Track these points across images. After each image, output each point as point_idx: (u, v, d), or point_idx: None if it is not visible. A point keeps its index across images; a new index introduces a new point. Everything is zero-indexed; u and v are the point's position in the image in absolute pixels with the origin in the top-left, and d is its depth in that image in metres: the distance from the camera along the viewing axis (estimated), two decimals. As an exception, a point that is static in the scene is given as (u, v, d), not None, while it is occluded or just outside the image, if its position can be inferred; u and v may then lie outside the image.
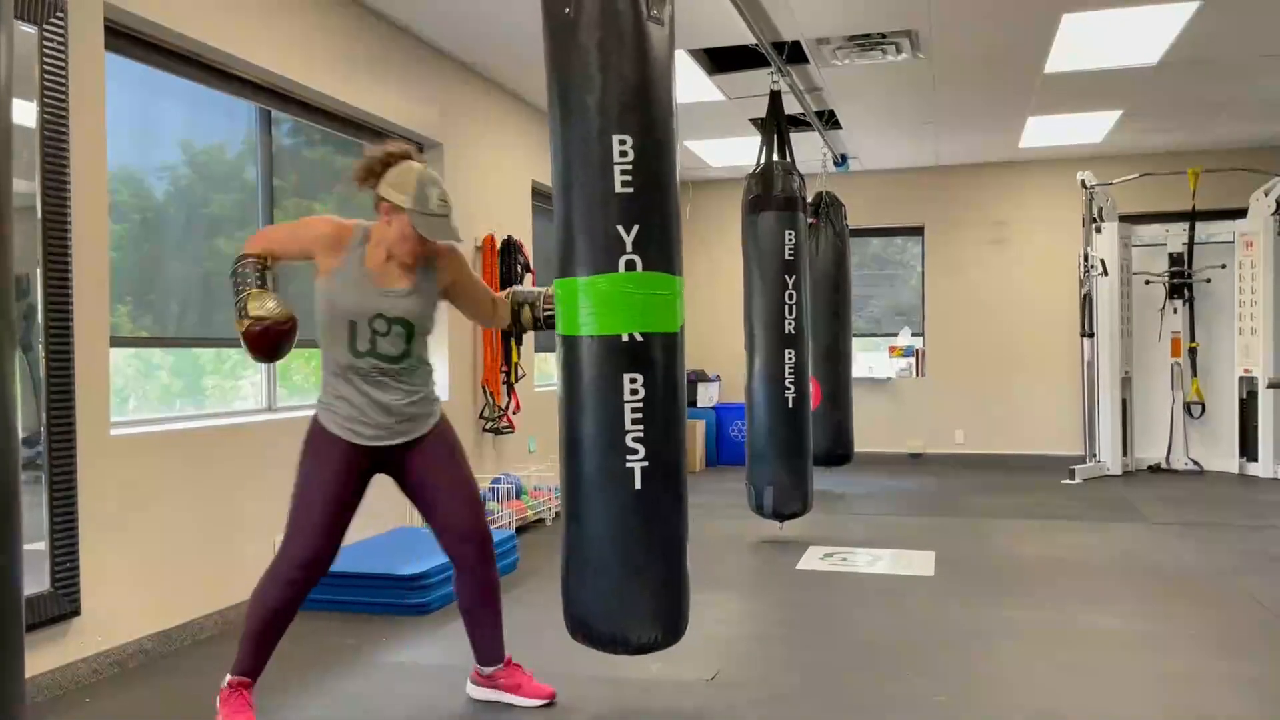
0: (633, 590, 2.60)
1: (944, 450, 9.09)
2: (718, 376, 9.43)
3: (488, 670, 2.99)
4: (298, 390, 4.72)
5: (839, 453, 7.08)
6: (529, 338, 6.46)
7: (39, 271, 3.04)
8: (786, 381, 5.10)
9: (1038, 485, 7.45)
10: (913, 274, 9.45)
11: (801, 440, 5.16)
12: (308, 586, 2.74)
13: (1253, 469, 7.76)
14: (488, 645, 2.97)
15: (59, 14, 3.10)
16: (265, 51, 4.16)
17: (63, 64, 3.12)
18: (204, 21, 3.82)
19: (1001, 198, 9.03)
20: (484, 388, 5.93)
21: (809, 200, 6.74)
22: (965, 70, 6.06)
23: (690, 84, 6.17)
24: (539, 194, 6.92)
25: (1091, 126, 7.50)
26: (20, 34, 2.99)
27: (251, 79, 4.23)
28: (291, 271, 4.55)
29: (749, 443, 5.23)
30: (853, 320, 7.47)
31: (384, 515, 4.88)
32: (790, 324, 5.10)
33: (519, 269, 6.11)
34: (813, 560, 4.95)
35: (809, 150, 7.70)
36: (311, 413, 2.83)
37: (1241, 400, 7.86)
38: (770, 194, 5.12)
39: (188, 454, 3.70)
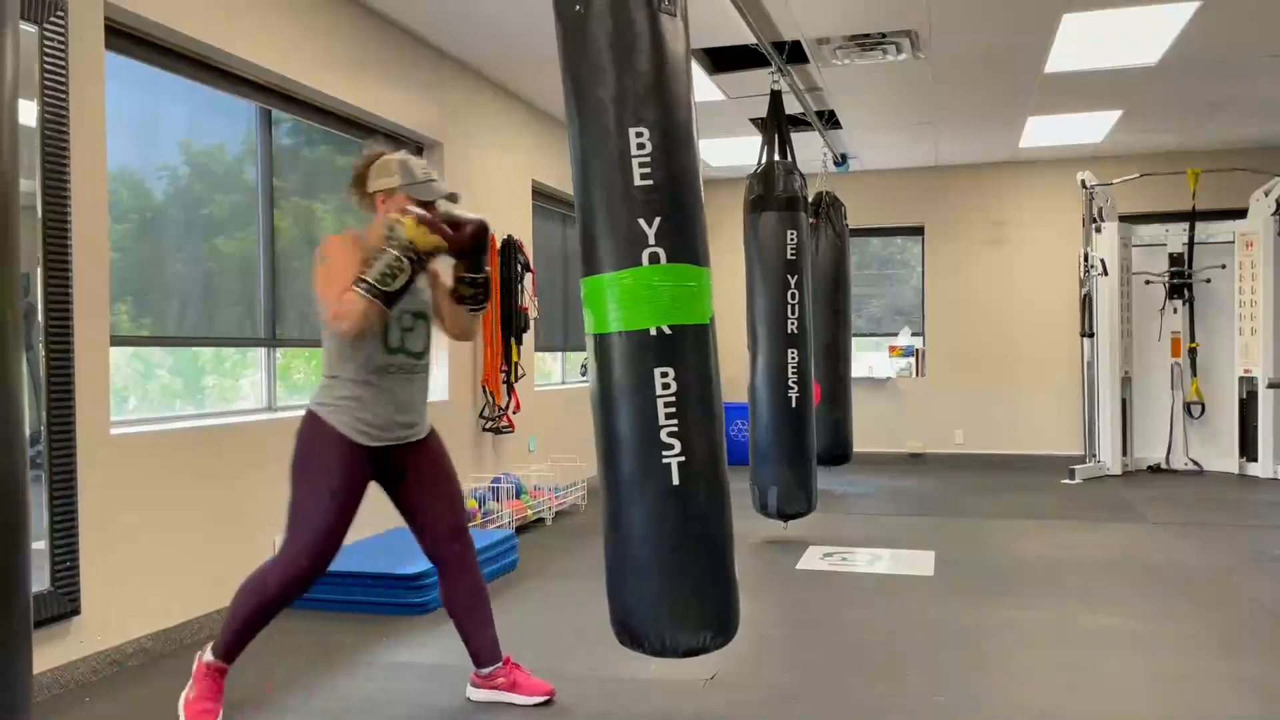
0: (677, 591, 2.52)
1: (944, 450, 9.10)
2: (718, 376, 9.42)
3: (485, 671, 3.00)
4: (297, 390, 4.72)
5: (838, 452, 7.08)
6: (529, 338, 6.46)
7: (39, 271, 3.04)
8: (790, 381, 5.10)
9: (1037, 485, 7.45)
10: (913, 274, 9.45)
11: (805, 440, 5.16)
12: (308, 584, 2.75)
13: (1252, 469, 7.76)
14: (484, 647, 2.97)
15: (59, 13, 3.10)
16: (265, 51, 4.16)
17: (63, 63, 3.12)
18: (204, 21, 3.82)
19: (1002, 198, 9.03)
20: (484, 387, 5.93)
21: (809, 200, 6.74)
22: (965, 70, 6.06)
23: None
24: (539, 193, 6.92)
25: (1092, 126, 7.50)
26: (21, 33, 2.99)
27: (252, 78, 4.23)
28: (293, 273, 4.55)
29: (752, 443, 5.22)
30: (853, 320, 7.48)
31: (383, 515, 4.88)
32: (793, 324, 5.10)
33: (519, 268, 6.11)
34: (813, 560, 4.95)
35: (809, 150, 7.70)
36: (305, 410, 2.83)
37: (1241, 400, 7.86)
38: (772, 194, 5.12)
39: (188, 454, 3.70)
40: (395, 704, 3.02)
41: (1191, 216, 8.01)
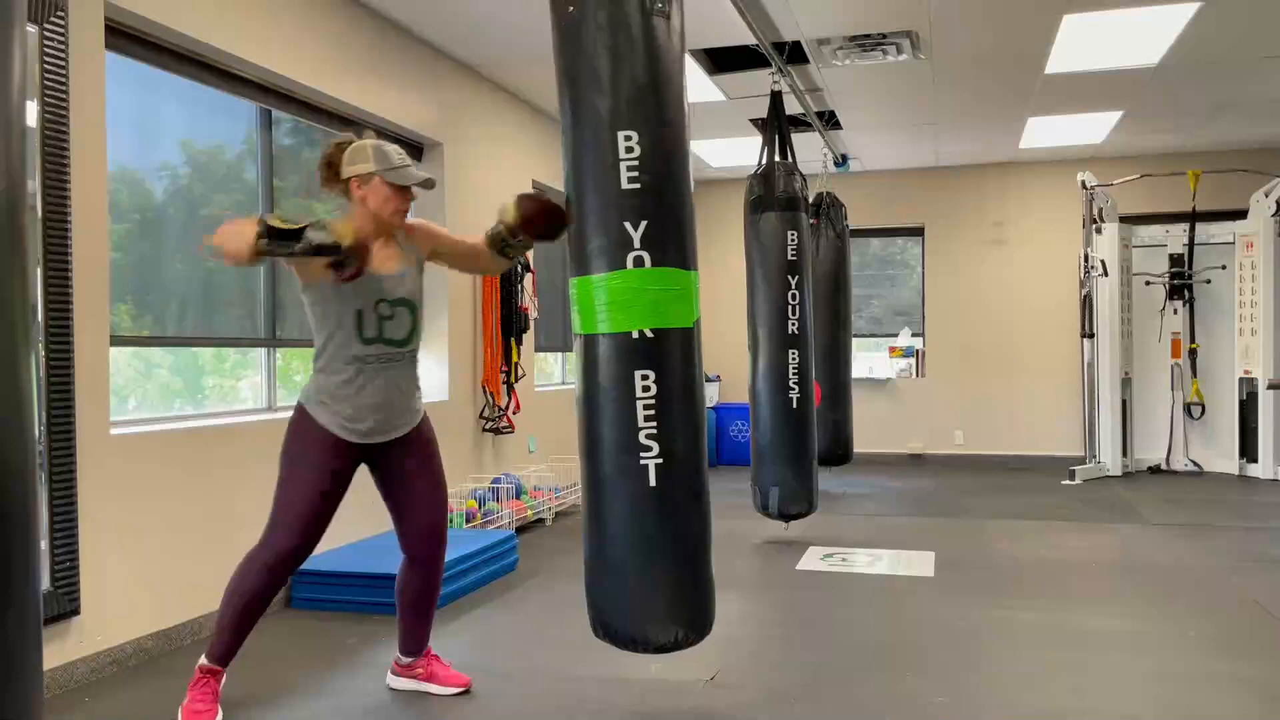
0: (651, 589, 2.57)
1: (944, 451, 9.09)
2: (718, 376, 9.43)
3: (407, 661, 3.10)
4: (297, 390, 4.72)
5: (838, 453, 7.08)
6: (529, 339, 6.46)
7: (39, 271, 3.05)
8: (790, 382, 5.10)
9: (1037, 486, 7.45)
10: (913, 274, 9.45)
11: (806, 441, 5.16)
12: (285, 576, 2.79)
13: (1253, 470, 7.76)
14: (418, 637, 3.07)
15: (59, 13, 3.10)
16: (265, 51, 4.16)
17: (63, 63, 3.12)
18: (204, 21, 3.82)
19: (1002, 198, 9.03)
20: (484, 388, 5.93)
21: (810, 201, 6.73)
22: (966, 71, 6.06)
23: (691, 84, 6.15)
24: (539, 194, 6.92)
25: (1092, 127, 7.50)
26: (21, 33, 2.99)
27: (251, 78, 4.23)
28: (289, 278, 4.55)
29: (753, 444, 5.22)
30: (853, 320, 7.47)
31: (382, 516, 4.88)
32: (794, 324, 5.10)
33: (519, 269, 6.11)
34: (813, 561, 4.95)
35: (809, 151, 7.70)
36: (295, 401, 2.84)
37: (1241, 401, 7.86)
38: (772, 194, 5.12)
39: (188, 454, 3.70)
40: (395, 704, 3.02)
41: (1192, 217, 8.01)
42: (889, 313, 9.52)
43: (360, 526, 4.69)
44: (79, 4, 3.24)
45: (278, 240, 2.42)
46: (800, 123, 6.88)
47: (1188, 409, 8.08)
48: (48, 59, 3.06)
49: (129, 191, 3.75)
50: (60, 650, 3.17)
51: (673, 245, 2.56)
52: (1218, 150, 8.42)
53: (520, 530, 5.74)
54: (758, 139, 7.45)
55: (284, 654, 3.54)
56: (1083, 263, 7.84)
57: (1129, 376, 8.10)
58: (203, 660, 2.84)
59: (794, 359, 5.10)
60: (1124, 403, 8.00)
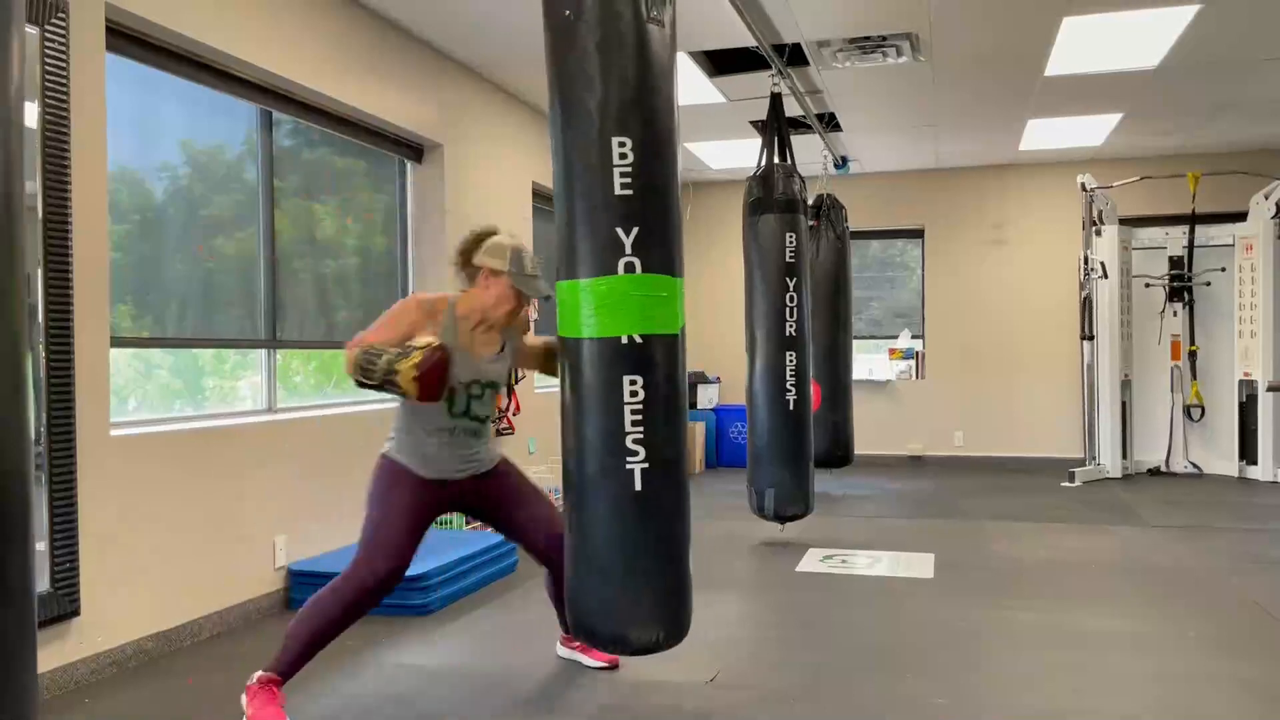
0: (634, 591, 2.60)
1: (943, 452, 9.09)
2: (718, 378, 9.43)
3: (567, 635, 3.41)
4: (297, 391, 4.72)
5: (839, 454, 7.07)
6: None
7: (39, 271, 3.05)
8: (788, 383, 5.10)
9: (1037, 488, 7.45)
10: (913, 276, 9.46)
11: (802, 442, 5.15)
12: (375, 601, 2.85)
13: (1252, 472, 7.76)
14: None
15: (60, 14, 3.11)
16: (265, 52, 4.16)
17: (64, 64, 3.12)
18: (204, 22, 3.83)
19: (1002, 200, 9.03)
20: (484, 389, 5.92)
21: (809, 202, 6.73)
22: (966, 72, 6.07)
23: (691, 86, 6.17)
24: (539, 194, 6.92)
25: (1092, 129, 7.50)
26: (21, 34, 2.99)
27: (252, 80, 4.23)
28: (293, 274, 4.55)
29: (750, 445, 5.22)
30: (853, 322, 7.47)
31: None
32: (791, 326, 5.10)
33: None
34: (812, 562, 4.95)
35: (809, 152, 7.71)
36: (380, 450, 3.00)
37: (1241, 403, 7.86)
38: (771, 196, 5.12)
39: (188, 455, 3.70)
40: (397, 704, 3.02)
41: (1191, 219, 8.01)
42: (889, 314, 9.53)
43: (359, 528, 4.69)
44: (79, 5, 3.24)
45: (362, 384, 2.73)
46: (800, 124, 6.89)
47: (1187, 411, 8.08)
48: (48, 60, 3.07)
49: (129, 192, 3.75)
50: (60, 651, 3.17)
51: (662, 252, 2.58)
52: (1217, 152, 8.42)
53: (520, 531, 5.74)
54: (757, 141, 7.45)
55: (283, 655, 3.54)
56: (1082, 265, 7.84)
57: (1129, 378, 8.10)
58: (262, 672, 2.83)
59: (791, 361, 5.10)
60: (1124, 405, 8.00)
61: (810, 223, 6.54)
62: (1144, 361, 8.18)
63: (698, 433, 8.74)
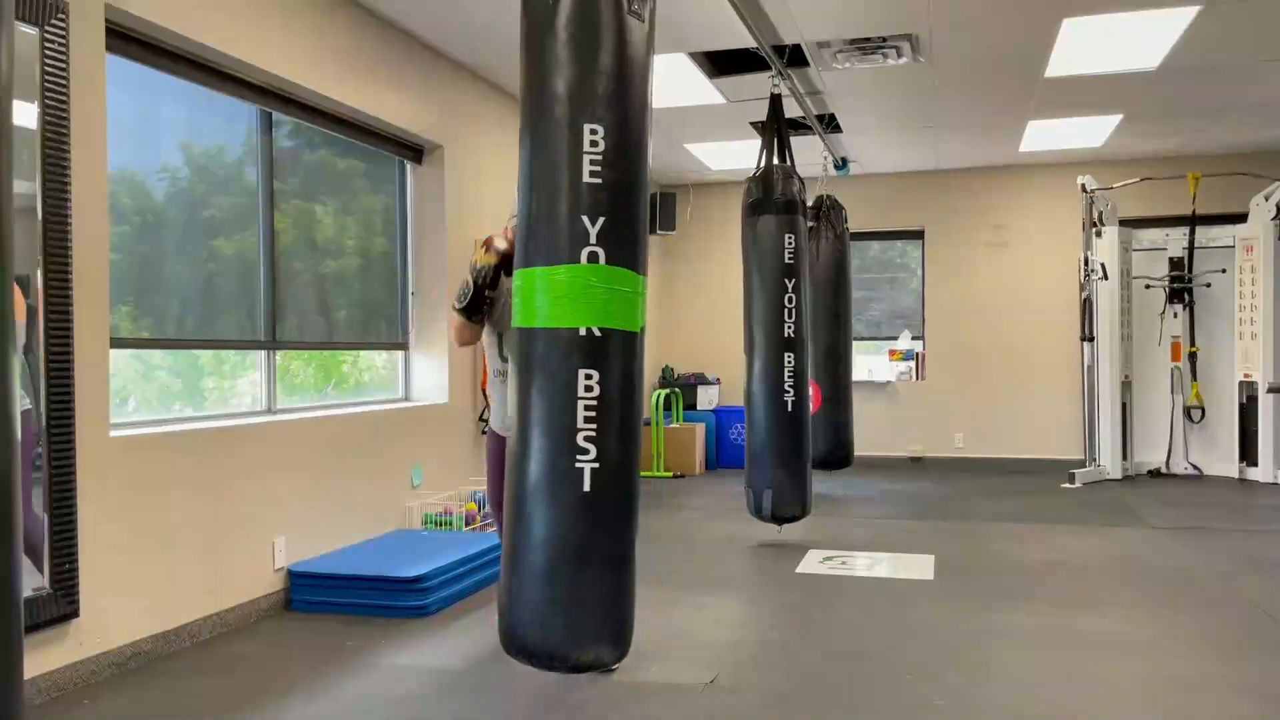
0: (575, 600, 2.43)
1: (943, 454, 9.09)
2: (718, 379, 9.43)
3: None
4: (297, 391, 4.72)
5: (839, 456, 7.08)
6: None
7: (39, 272, 3.04)
8: (786, 385, 5.09)
9: (1037, 489, 7.45)
10: (913, 277, 9.45)
11: (801, 444, 5.15)
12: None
13: (1252, 474, 7.76)
14: None
15: (60, 15, 3.11)
16: (266, 53, 4.16)
17: (64, 65, 3.12)
18: (204, 23, 3.83)
19: (1002, 201, 9.03)
20: (483, 391, 5.93)
21: (809, 204, 6.74)
22: (966, 74, 6.07)
23: (691, 87, 6.17)
24: (539, 196, 6.92)
25: (1092, 131, 7.50)
26: (21, 35, 3.00)
27: (252, 81, 4.24)
28: (293, 275, 4.55)
29: (748, 446, 5.22)
30: (853, 323, 7.47)
31: (382, 518, 4.89)
32: (790, 327, 5.10)
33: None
34: (812, 564, 4.95)
35: (809, 153, 7.71)
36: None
37: (1241, 405, 7.85)
38: (770, 197, 5.12)
39: (187, 455, 3.70)
40: (395, 705, 3.02)
41: (1192, 221, 8.01)
42: (889, 316, 9.52)
43: (359, 528, 4.69)
44: (79, 6, 3.24)
45: (471, 308, 3.22)
46: (800, 125, 6.89)
47: (1187, 412, 8.08)
48: (48, 61, 3.06)
49: (129, 193, 3.75)
50: (59, 652, 3.16)
51: (627, 246, 2.49)
52: (1218, 153, 8.42)
53: (520, 533, 5.74)
54: (757, 142, 7.45)
55: (284, 656, 3.54)
56: (1083, 266, 7.84)
57: (1129, 380, 8.10)
58: None
59: (790, 362, 5.10)
60: (1124, 406, 8.00)
61: (810, 224, 6.54)
62: (1144, 363, 8.18)
63: (697, 434, 8.74)
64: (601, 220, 2.46)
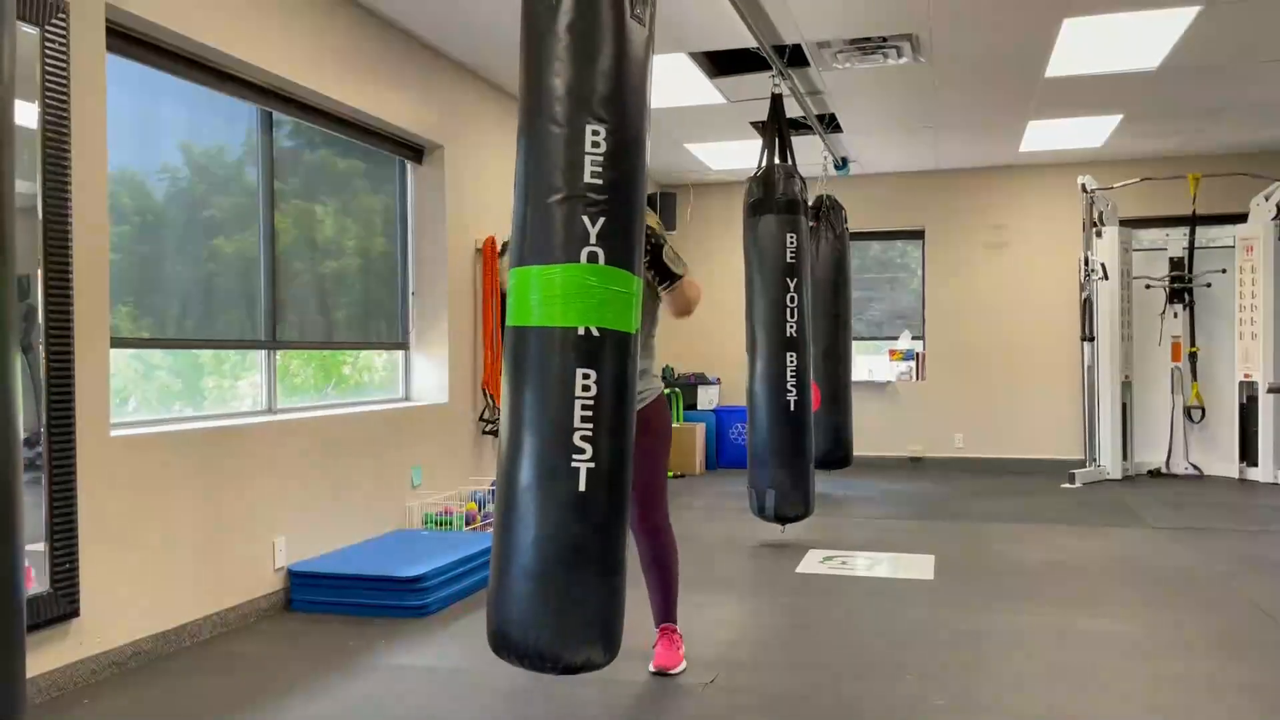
0: (567, 601, 2.41)
1: (943, 454, 9.09)
2: (718, 379, 9.43)
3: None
4: (297, 391, 4.72)
5: (838, 456, 7.08)
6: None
7: (39, 272, 3.04)
8: (788, 384, 5.09)
9: (1037, 489, 7.45)
10: (913, 277, 9.46)
11: (803, 443, 5.15)
12: None
13: (1253, 474, 7.76)
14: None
15: (60, 15, 3.11)
16: (266, 53, 4.16)
17: (64, 65, 3.12)
18: (205, 23, 3.83)
19: (1002, 201, 9.03)
20: (484, 390, 5.93)
21: (809, 203, 6.73)
22: (966, 74, 6.07)
23: (691, 87, 6.17)
24: (539, 196, 6.92)
25: (1092, 131, 7.50)
26: (22, 35, 3.00)
27: (252, 81, 4.24)
28: (293, 275, 4.55)
29: (750, 446, 5.22)
30: (853, 323, 7.47)
31: (382, 518, 4.89)
32: (792, 327, 5.10)
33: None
34: (812, 563, 4.95)
35: (809, 153, 7.71)
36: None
37: (1242, 405, 7.86)
38: (772, 197, 5.12)
39: (188, 455, 3.70)
40: (395, 706, 3.02)
41: (1192, 221, 8.01)
42: (889, 316, 9.52)
43: (359, 528, 4.69)
44: (80, 6, 3.24)
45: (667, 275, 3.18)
46: (800, 125, 6.89)
47: (1188, 412, 8.08)
48: (49, 60, 3.06)
49: (130, 193, 3.75)
50: (59, 652, 3.17)
51: (626, 247, 2.50)
52: (1218, 154, 8.42)
53: (520, 532, 5.74)
54: (758, 142, 7.45)
55: (284, 656, 3.55)
56: (1083, 266, 7.84)
57: (1129, 380, 8.10)
58: (667, 624, 3.32)
59: (792, 361, 5.10)
60: (1124, 406, 8.00)
61: (810, 224, 6.54)
62: (1144, 363, 8.18)
63: (698, 434, 8.75)
64: (601, 220, 2.46)
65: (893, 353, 9.30)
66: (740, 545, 5.44)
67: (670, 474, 8.38)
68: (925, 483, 7.92)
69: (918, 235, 9.32)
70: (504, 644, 2.47)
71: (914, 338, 9.33)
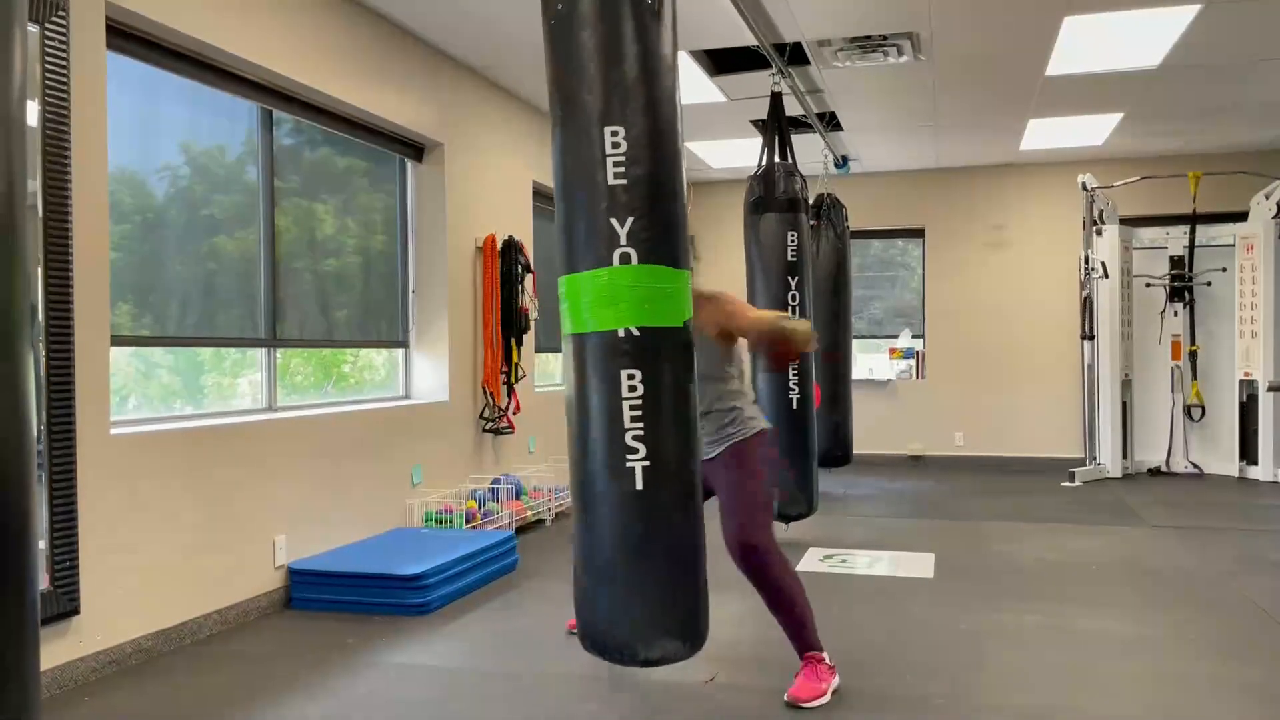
0: (639, 598, 2.48)
1: (944, 452, 9.09)
2: (718, 378, 9.41)
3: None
4: (297, 390, 4.73)
5: (838, 454, 7.07)
6: (529, 339, 6.46)
7: (39, 271, 3.05)
8: (790, 383, 5.10)
9: (1037, 488, 7.45)
10: (913, 276, 9.46)
11: (806, 442, 5.16)
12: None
13: (1253, 472, 7.76)
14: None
15: (61, 13, 3.11)
16: (267, 52, 4.16)
17: (64, 63, 3.12)
18: (206, 21, 3.83)
19: (1002, 200, 9.03)
20: (484, 388, 5.93)
21: (810, 202, 6.72)
22: (966, 72, 6.06)
23: (691, 85, 6.17)
24: (539, 194, 6.92)
25: (1092, 129, 7.50)
26: (22, 33, 2.99)
27: (252, 79, 4.23)
28: (293, 274, 4.55)
29: (749, 444, 5.22)
30: (853, 322, 7.47)
31: (382, 516, 4.89)
32: (791, 326, 5.09)
33: (519, 269, 6.12)
34: (812, 562, 4.95)
35: (810, 152, 7.71)
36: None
37: (1242, 403, 7.86)
38: (772, 195, 5.11)
39: (188, 454, 3.70)
40: (395, 705, 3.02)
41: (1192, 219, 8.01)
42: (889, 314, 9.53)
43: (359, 527, 4.69)
44: (80, 4, 3.24)
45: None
46: (801, 124, 6.89)
47: (1188, 411, 8.08)
48: (49, 59, 3.06)
49: (130, 192, 3.75)
50: (60, 650, 3.17)
51: (661, 242, 2.51)
52: (1218, 152, 8.42)
53: (520, 530, 5.75)
54: (758, 140, 7.45)
55: (283, 654, 3.55)
56: (1083, 264, 7.84)
57: (1129, 378, 8.10)
58: (809, 652, 3.06)
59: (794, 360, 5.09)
60: (1124, 405, 8.00)
61: (811, 222, 6.54)
62: (1144, 361, 8.18)
63: (698, 432, 8.73)
64: (630, 221, 2.48)
65: (893, 351, 9.30)
66: (740, 544, 5.43)
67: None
68: (925, 481, 7.92)
69: (918, 234, 9.32)
70: (588, 639, 2.57)
71: (914, 336, 9.33)
